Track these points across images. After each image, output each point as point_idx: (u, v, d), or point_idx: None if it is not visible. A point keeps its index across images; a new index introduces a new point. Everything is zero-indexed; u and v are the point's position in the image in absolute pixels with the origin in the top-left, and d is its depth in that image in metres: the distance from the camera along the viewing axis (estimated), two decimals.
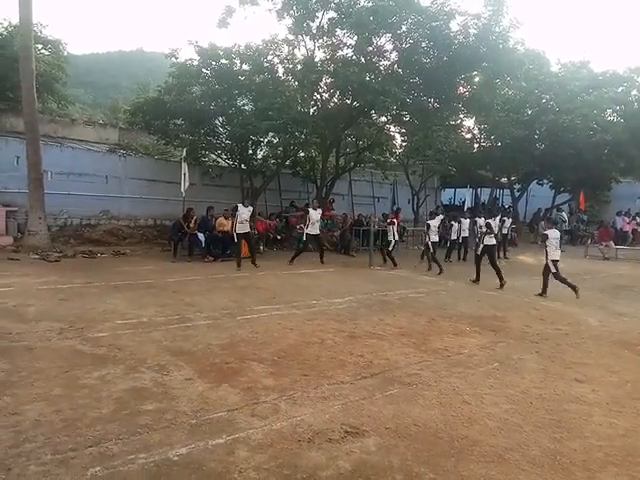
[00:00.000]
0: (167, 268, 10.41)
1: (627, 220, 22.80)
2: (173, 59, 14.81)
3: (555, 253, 8.98)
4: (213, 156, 16.30)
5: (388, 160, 19.69)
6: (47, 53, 17.35)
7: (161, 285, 8.40)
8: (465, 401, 3.97)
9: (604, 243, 16.76)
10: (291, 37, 14.83)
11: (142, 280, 8.78)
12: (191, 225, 12.28)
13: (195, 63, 14.70)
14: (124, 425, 3.27)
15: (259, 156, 16.46)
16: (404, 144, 20.03)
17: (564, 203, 23.68)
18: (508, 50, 13.61)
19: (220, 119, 15.15)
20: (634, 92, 21.27)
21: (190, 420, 3.39)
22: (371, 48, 13.96)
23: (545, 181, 23.60)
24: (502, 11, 12.80)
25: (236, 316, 6.42)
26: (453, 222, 14.37)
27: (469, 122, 20.62)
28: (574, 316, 7.40)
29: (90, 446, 2.98)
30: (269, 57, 14.99)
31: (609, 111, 20.93)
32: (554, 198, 23.90)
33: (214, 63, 14.54)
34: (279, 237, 15.06)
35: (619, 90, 20.91)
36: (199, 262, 11.58)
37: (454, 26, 13.07)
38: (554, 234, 9.11)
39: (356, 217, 17.67)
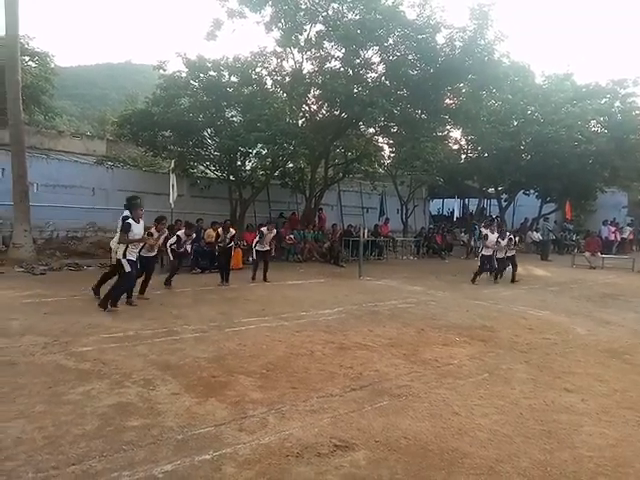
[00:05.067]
0: (154, 280, 10.28)
1: (612, 229, 23.12)
2: (161, 71, 14.85)
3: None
4: (201, 167, 16.27)
5: (376, 171, 19.80)
6: (34, 65, 17.30)
7: (148, 297, 8.29)
8: (455, 412, 3.94)
9: (588, 253, 16.90)
10: (279, 49, 14.95)
11: None
12: None
13: (183, 75, 14.74)
14: (108, 442, 3.20)
15: (248, 167, 16.45)
16: (392, 155, 20.18)
17: (551, 213, 23.95)
18: (493, 62, 13.80)
19: (208, 131, 15.16)
20: (617, 103, 21.69)
21: (176, 436, 3.33)
22: (359, 60, 14.11)
23: (531, 191, 23.87)
24: (487, 24, 13.00)
25: (224, 328, 6.36)
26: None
27: (456, 133, 20.85)
28: (562, 325, 7.43)
29: (73, 464, 2.91)
30: (257, 69, 15.08)
31: (593, 122, 21.29)
32: (540, 208, 24.17)
33: (202, 75, 14.58)
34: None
35: (602, 102, 21.32)
36: (187, 274, 11.47)
37: (440, 39, 13.30)
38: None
39: (345, 228, 17.68)
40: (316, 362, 5.10)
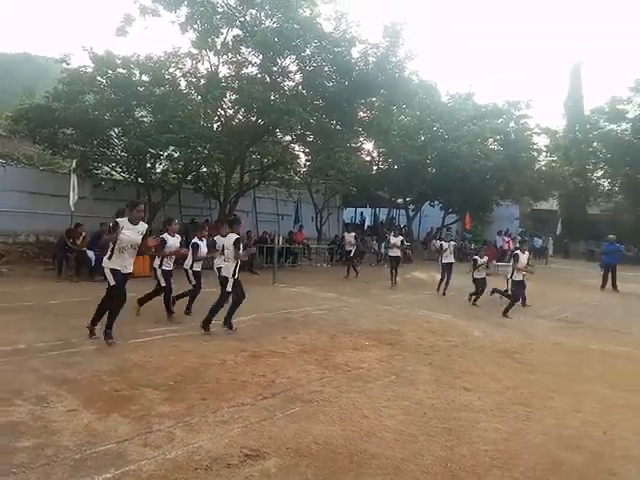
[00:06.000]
0: (50, 289, 9.53)
1: (506, 239, 25.19)
2: (64, 65, 13.82)
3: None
4: (107, 168, 15.34)
5: (292, 178, 19.92)
6: None
7: (42, 307, 7.65)
8: (364, 415, 4.05)
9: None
10: (195, 51, 14.55)
11: (20, 302, 7.92)
12: (78, 242, 11.41)
13: (89, 70, 13.82)
14: None
15: (158, 170, 15.78)
16: (308, 163, 20.46)
17: (453, 223, 25.60)
18: (404, 79, 14.54)
19: (116, 130, 14.34)
20: (512, 124, 23.83)
21: (73, 455, 3.10)
22: (276, 68, 14.15)
23: (436, 202, 25.36)
24: (398, 43, 13.66)
25: (128, 339, 6.02)
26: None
27: (369, 145, 21.64)
28: (461, 328, 7.94)
29: None
30: (171, 69, 14.55)
31: (491, 140, 23.22)
32: (444, 218, 25.74)
33: (110, 72, 13.78)
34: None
35: (499, 121, 23.32)
36: (88, 282, 10.74)
37: (355, 53, 13.75)
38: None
39: (260, 234, 17.58)
40: (227, 371, 5.00)
